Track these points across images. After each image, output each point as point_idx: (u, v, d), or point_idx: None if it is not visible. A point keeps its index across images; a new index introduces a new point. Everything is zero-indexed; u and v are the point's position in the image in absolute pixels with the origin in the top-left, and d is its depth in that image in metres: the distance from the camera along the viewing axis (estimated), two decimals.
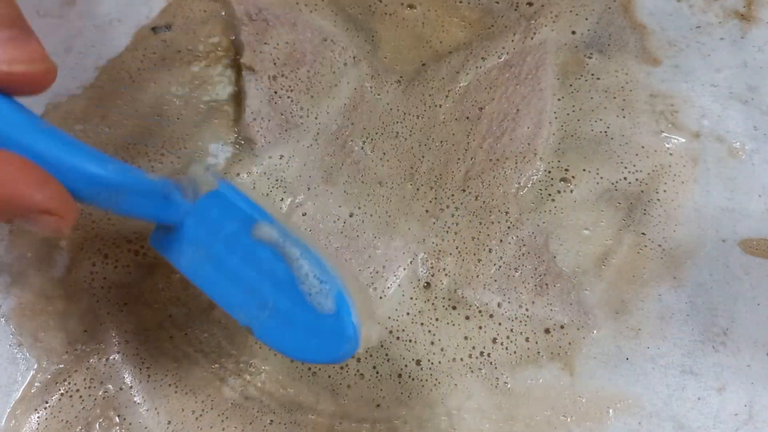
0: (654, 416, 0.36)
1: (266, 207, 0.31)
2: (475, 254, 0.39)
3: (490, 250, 0.39)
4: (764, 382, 0.37)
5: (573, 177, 0.41)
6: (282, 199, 0.39)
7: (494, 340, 0.37)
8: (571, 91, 0.43)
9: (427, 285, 0.38)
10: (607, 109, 0.43)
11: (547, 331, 0.38)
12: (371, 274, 0.38)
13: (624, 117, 0.42)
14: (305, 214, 0.39)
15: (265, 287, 0.29)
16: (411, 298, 0.38)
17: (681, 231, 0.40)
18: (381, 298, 0.38)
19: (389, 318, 0.37)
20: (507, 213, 0.40)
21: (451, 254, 0.39)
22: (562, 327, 0.38)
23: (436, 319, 0.37)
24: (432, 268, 0.38)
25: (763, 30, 0.45)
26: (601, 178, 0.41)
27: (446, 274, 0.38)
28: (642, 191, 0.41)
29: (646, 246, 0.39)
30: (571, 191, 0.40)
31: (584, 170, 0.41)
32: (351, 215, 0.39)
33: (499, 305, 0.38)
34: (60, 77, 0.41)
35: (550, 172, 0.41)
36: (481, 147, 0.41)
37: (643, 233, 0.40)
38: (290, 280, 0.29)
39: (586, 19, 0.45)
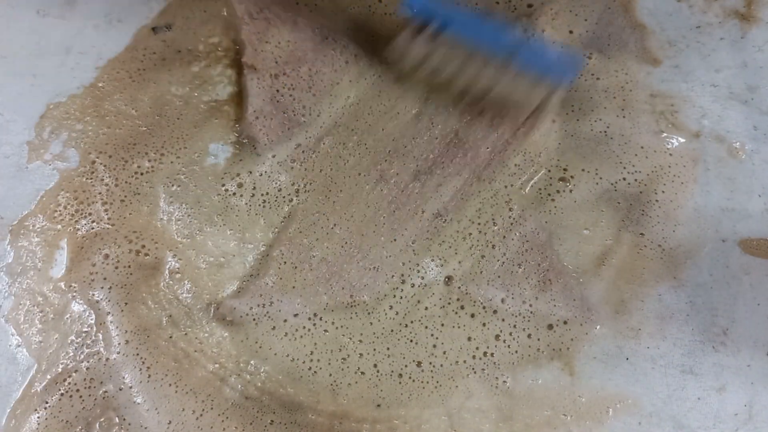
0: (654, 416, 0.36)
1: None
2: (478, 250, 0.39)
3: (493, 247, 0.39)
4: (764, 382, 0.37)
5: (572, 177, 0.41)
6: (284, 198, 0.39)
7: (497, 337, 0.37)
8: (570, 91, 0.43)
9: (430, 284, 0.38)
10: (607, 109, 0.43)
11: (550, 327, 0.38)
12: (373, 273, 0.38)
13: (624, 117, 0.42)
14: (306, 212, 0.39)
15: (517, 41, 0.40)
16: (413, 296, 0.38)
17: (681, 231, 0.40)
18: (384, 296, 0.38)
19: (396, 314, 0.38)
20: (511, 210, 0.40)
21: (456, 252, 0.39)
22: (565, 323, 0.38)
23: (442, 325, 0.37)
24: (437, 267, 0.38)
25: (763, 30, 0.45)
26: (600, 178, 0.41)
27: (451, 272, 0.38)
28: (641, 191, 0.41)
29: (645, 246, 0.39)
30: (571, 191, 0.41)
31: (583, 170, 0.41)
32: (353, 214, 0.39)
33: (503, 301, 0.38)
34: (60, 77, 0.42)
35: (549, 171, 0.41)
36: (482, 145, 0.41)
37: (642, 233, 0.40)
38: (533, 43, 0.42)
39: (585, 20, 0.45)
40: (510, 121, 0.41)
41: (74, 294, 0.37)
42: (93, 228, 0.38)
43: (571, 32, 0.44)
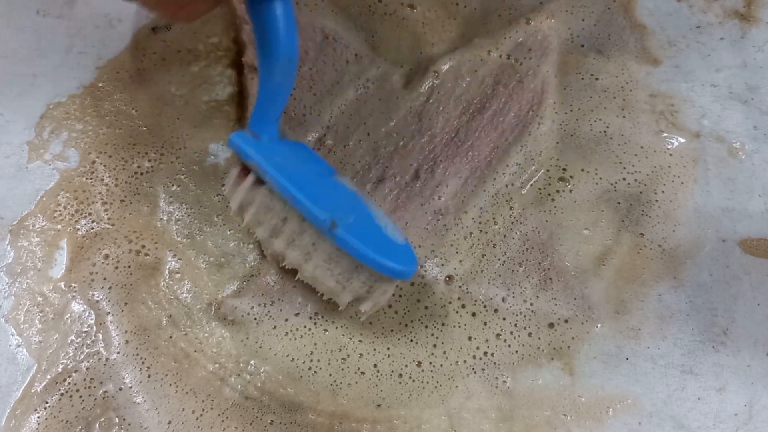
0: (654, 416, 0.36)
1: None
2: (479, 249, 0.39)
3: (494, 246, 0.39)
4: (764, 382, 0.37)
5: (571, 177, 0.41)
6: None
7: (498, 336, 0.37)
8: (570, 91, 0.43)
9: (431, 283, 0.38)
10: (607, 109, 0.43)
11: (551, 325, 0.38)
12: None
13: (624, 117, 0.42)
14: None
15: (348, 207, 0.33)
16: (413, 295, 0.38)
17: (681, 231, 0.40)
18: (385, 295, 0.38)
19: (396, 313, 0.38)
20: (511, 209, 0.40)
21: (457, 251, 0.39)
22: (566, 321, 0.38)
23: (442, 324, 0.37)
24: (437, 266, 0.39)
25: (763, 30, 0.45)
26: (600, 178, 0.41)
27: (452, 271, 0.38)
28: (641, 191, 0.41)
29: (645, 246, 0.39)
30: (570, 191, 0.41)
31: (582, 170, 0.41)
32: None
33: (503, 300, 0.38)
34: (60, 77, 0.42)
35: (548, 171, 0.41)
36: (483, 144, 0.41)
37: (642, 233, 0.40)
38: (368, 214, 0.34)
39: (583, 20, 0.45)
40: (510, 128, 0.41)
41: (74, 294, 0.37)
42: (93, 228, 0.38)
43: (572, 32, 0.44)
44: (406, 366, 0.37)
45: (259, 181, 0.33)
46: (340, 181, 0.35)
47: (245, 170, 0.33)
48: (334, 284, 0.33)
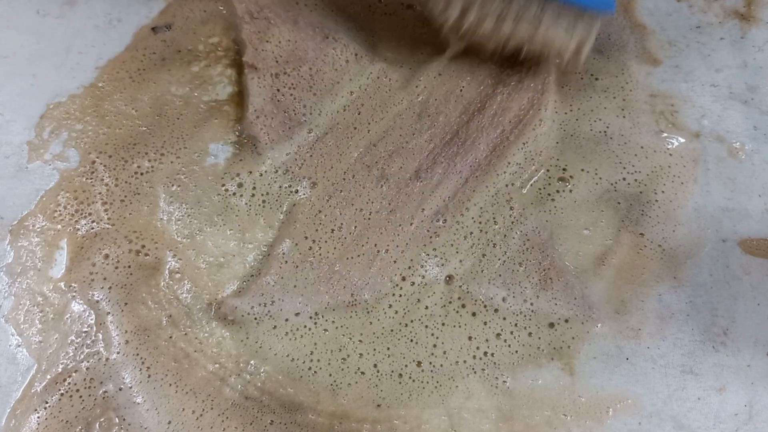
0: (654, 416, 0.36)
1: None
2: (479, 249, 0.39)
3: (494, 245, 0.39)
4: (764, 382, 0.37)
5: (571, 177, 0.41)
6: (284, 197, 0.40)
7: (498, 336, 0.37)
8: (570, 91, 0.43)
9: (431, 283, 0.38)
10: (607, 109, 0.43)
11: (551, 325, 0.38)
12: (373, 272, 0.38)
13: (624, 117, 0.42)
14: (307, 212, 0.39)
15: None
16: (413, 295, 0.38)
17: (681, 231, 0.40)
18: (384, 295, 0.38)
19: (396, 313, 0.38)
20: (512, 209, 0.40)
21: (457, 251, 0.39)
22: (566, 321, 0.38)
23: (443, 324, 0.37)
24: (437, 265, 0.39)
25: (763, 30, 0.45)
26: (600, 178, 0.41)
27: (452, 271, 0.38)
28: (641, 191, 0.41)
29: (645, 246, 0.39)
30: (570, 191, 0.41)
31: (582, 170, 0.41)
32: (354, 213, 0.39)
33: (504, 300, 0.38)
34: (60, 77, 0.42)
35: (548, 170, 0.41)
36: (483, 143, 0.41)
37: (642, 233, 0.40)
38: None
39: None
40: (511, 128, 0.41)
41: (74, 294, 0.37)
42: (93, 228, 0.38)
43: None
44: (406, 366, 0.37)
45: None
46: None
47: None
48: (563, 35, 0.40)
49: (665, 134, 0.42)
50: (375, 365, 0.37)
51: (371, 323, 0.37)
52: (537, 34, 0.40)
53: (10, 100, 0.41)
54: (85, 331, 0.36)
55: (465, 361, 0.37)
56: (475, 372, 0.37)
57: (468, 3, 0.39)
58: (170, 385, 0.36)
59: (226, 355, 0.36)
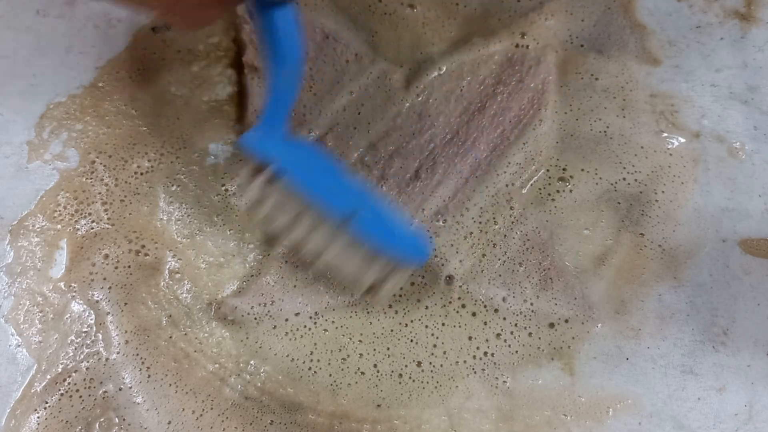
0: (654, 416, 0.36)
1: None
2: (479, 249, 0.39)
3: (494, 245, 0.39)
4: (764, 382, 0.37)
5: (571, 177, 0.41)
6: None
7: (498, 336, 0.37)
8: (570, 91, 0.43)
9: (431, 283, 0.38)
10: (607, 109, 0.43)
11: (551, 325, 0.38)
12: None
13: (624, 117, 0.42)
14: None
15: (362, 200, 0.35)
16: (413, 295, 0.38)
17: (681, 231, 0.40)
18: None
19: (396, 313, 0.38)
20: (512, 209, 0.40)
21: (457, 251, 0.39)
22: (566, 321, 0.38)
23: (443, 324, 0.37)
24: (438, 266, 0.38)
25: (763, 30, 0.45)
26: (600, 178, 0.41)
27: (452, 271, 0.38)
28: (641, 191, 0.41)
29: (645, 246, 0.39)
30: (570, 191, 0.41)
31: (582, 170, 0.41)
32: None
33: (504, 300, 0.38)
34: (60, 77, 0.42)
35: (548, 170, 0.41)
36: (483, 143, 0.41)
37: (642, 233, 0.40)
38: (380, 206, 0.36)
39: (583, 20, 0.45)
40: (511, 128, 0.41)
41: (74, 294, 0.37)
42: (93, 228, 0.38)
43: (572, 32, 0.44)
44: (406, 366, 0.37)
45: (273, 179, 0.35)
46: (349, 176, 0.37)
47: (257, 169, 0.35)
48: (353, 271, 0.36)
49: (665, 134, 0.42)
50: (375, 365, 0.37)
51: (371, 323, 0.37)
52: (322, 259, 0.36)
53: (10, 100, 0.41)
54: (85, 331, 0.36)
55: (465, 361, 0.37)
56: (475, 372, 0.37)
57: (261, 198, 0.35)
58: (170, 385, 0.36)
59: (226, 355, 0.36)
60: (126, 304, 0.37)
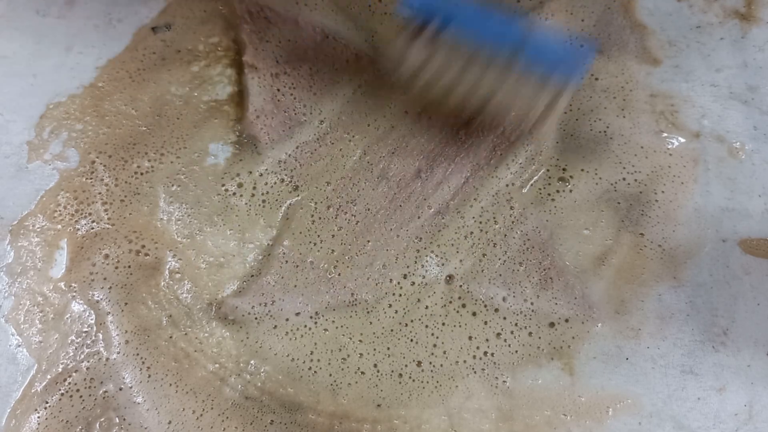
0: (654, 416, 0.36)
1: None
2: (480, 249, 0.39)
3: (494, 245, 0.39)
4: (764, 382, 0.37)
5: (571, 177, 0.41)
6: (284, 197, 0.40)
7: (498, 335, 0.37)
8: (578, 90, 0.43)
9: (431, 283, 0.38)
10: (607, 109, 0.43)
11: (551, 325, 0.38)
12: (374, 272, 0.38)
13: (624, 117, 0.42)
14: (307, 211, 0.39)
15: (521, 33, 0.37)
16: (413, 294, 0.38)
17: (681, 231, 0.40)
18: (385, 295, 0.38)
19: (396, 313, 0.38)
20: (512, 209, 0.40)
21: (457, 250, 0.39)
22: (566, 321, 0.38)
23: (443, 324, 0.37)
24: (438, 265, 0.39)
25: (763, 30, 0.45)
26: (600, 178, 0.41)
27: (453, 270, 0.38)
28: (641, 191, 0.41)
29: (645, 246, 0.39)
30: (570, 191, 0.41)
31: (582, 170, 0.41)
32: (355, 213, 0.39)
33: (504, 299, 0.38)
34: (60, 77, 0.42)
35: (548, 170, 0.41)
36: (483, 143, 0.41)
37: (642, 233, 0.40)
38: (539, 36, 0.37)
39: (583, 20, 0.45)
40: (512, 128, 0.41)
41: (74, 294, 0.37)
42: (93, 228, 0.38)
43: (570, 33, 0.44)
44: (406, 366, 0.37)
45: (437, 33, 0.36)
46: (503, 14, 0.38)
47: (416, 31, 0.36)
48: (525, 104, 0.37)
49: (665, 134, 0.42)
50: (375, 365, 0.37)
51: (371, 323, 0.37)
52: (495, 100, 0.38)
53: (10, 100, 0.41)
54: (85, 331, 0.36)
55: (465, 361, 0.37)
56: (475, 372, 0.37)
57: (425, 60, 0.37)
58: (170, 385, 0.36)
59: (226, 355, 0.36)
60: (126, 304, 0.37)
